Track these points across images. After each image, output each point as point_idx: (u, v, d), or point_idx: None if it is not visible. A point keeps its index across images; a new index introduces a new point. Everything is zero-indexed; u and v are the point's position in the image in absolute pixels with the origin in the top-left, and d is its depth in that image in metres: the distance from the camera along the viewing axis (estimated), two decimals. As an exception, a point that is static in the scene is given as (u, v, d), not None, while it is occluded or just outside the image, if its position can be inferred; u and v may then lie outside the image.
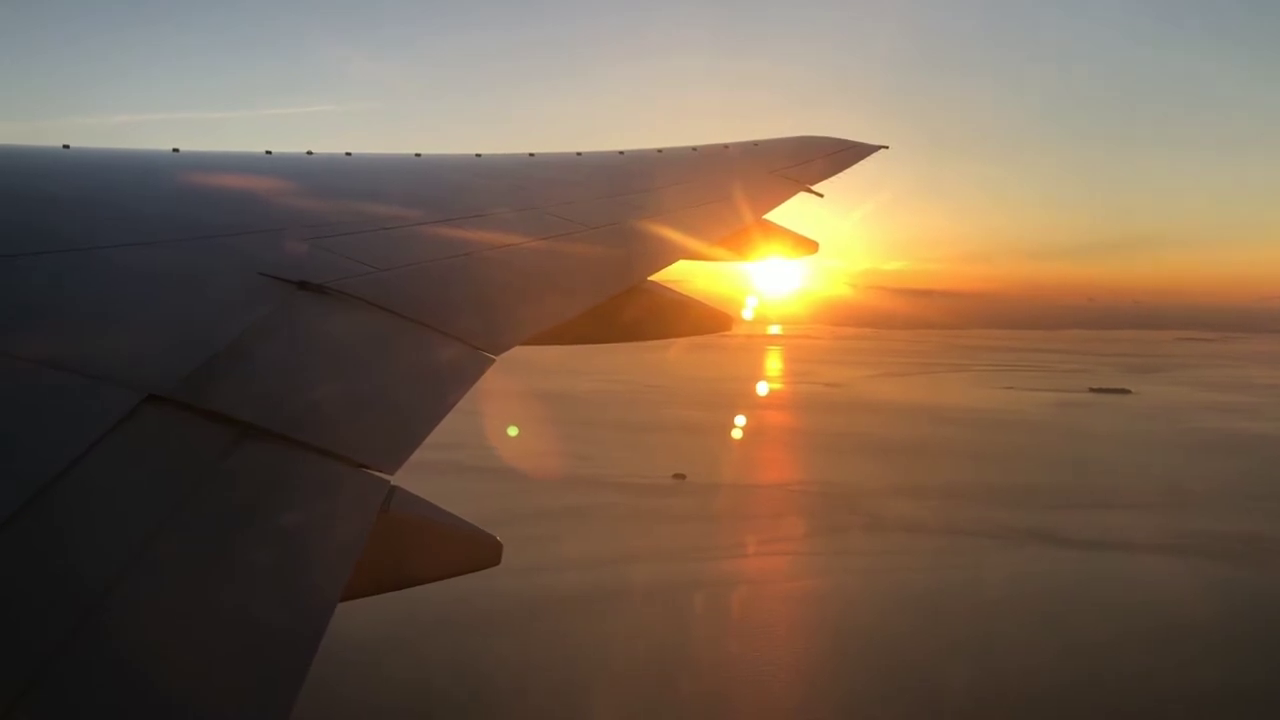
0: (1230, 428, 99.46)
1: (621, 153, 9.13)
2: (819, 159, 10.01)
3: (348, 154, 6.99)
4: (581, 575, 52.11)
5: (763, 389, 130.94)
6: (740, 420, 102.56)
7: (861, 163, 10.58)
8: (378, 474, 2.63)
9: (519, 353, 4.70)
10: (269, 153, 6.51)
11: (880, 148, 10.80)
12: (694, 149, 9.83)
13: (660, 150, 9.50)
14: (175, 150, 6.15)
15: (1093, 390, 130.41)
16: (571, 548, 56.73)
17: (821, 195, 9.13)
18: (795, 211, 8.72)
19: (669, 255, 5.99)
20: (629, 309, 5.45)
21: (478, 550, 3.26)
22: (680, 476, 75.00)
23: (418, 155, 7.55)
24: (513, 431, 77.85)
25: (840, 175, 9.96)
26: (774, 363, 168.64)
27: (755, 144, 10.34)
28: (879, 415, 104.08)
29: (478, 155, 8.02)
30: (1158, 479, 76.37)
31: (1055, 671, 41.81)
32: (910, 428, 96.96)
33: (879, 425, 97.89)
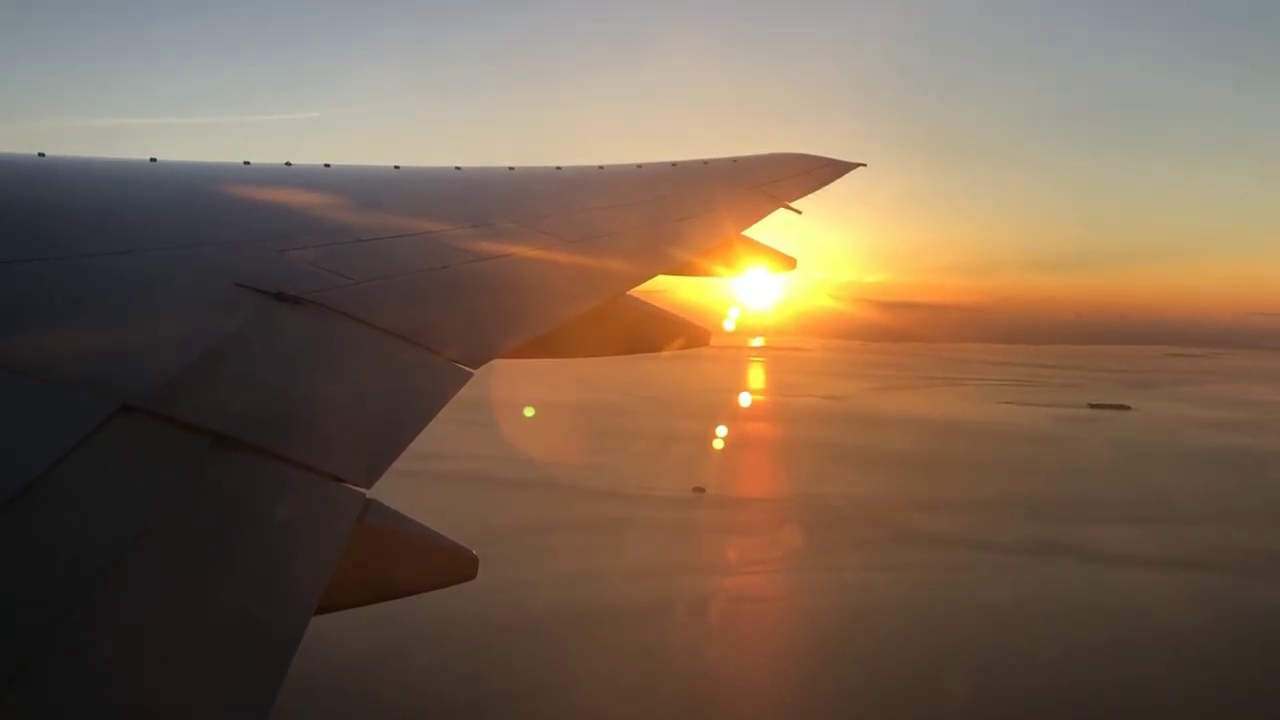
0: (1238, 444, 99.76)
1: (601, 167, 9.25)
2: (798, 176, 10.14)
3: (326, 165, 7.03)
4: (619, 589, 51.97)
5: (763, 402, 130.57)
6: (749, 433, 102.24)
7: (846, 176, 10.74)
8: (353, 487, 2.65)
9: (502, 365, 4.74)
10: (247, 163, 6.56)
11: (858, 165, 10.94)
12: (674, 165, 9.96)
13: (640, 165, 9.63)
14: (152, 159, 6.19)
15: (1092, 406, 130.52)
16: (602, 561, 56.47)
17: (800, 212, 9.28)
18: (778, 226, 8.85)
19: (648, 270, 6.09)
20: (607, 323, 5.51)
21: (454, 564, 3.27)
22: (700, 490, 74.41)
23: (397, 167, 7.63)
24: (526, 422, 77.95)
25: (824, 188, 10.09)
26: (768, 376, 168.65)
27: (735, 160, 10.48)
28: (886, 429, 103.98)
29: (457, 168, 8.10)
30: (1176, 494, 76.58)
31: (1102, 684, 42.00)
32: (920, 442, 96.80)
33: (888, 439, 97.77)
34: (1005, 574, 56.90)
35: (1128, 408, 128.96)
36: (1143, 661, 44.41)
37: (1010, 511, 70.22)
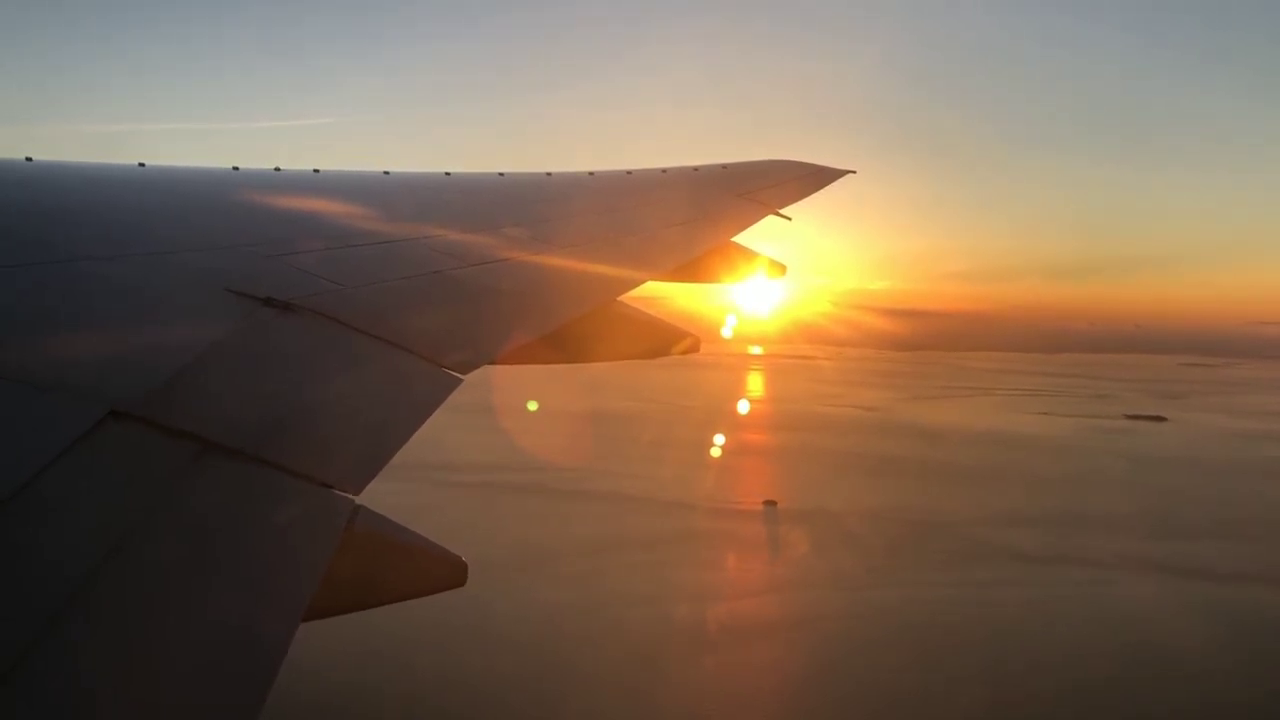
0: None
1: (591, 174, 9.39)
2: (787, 182, 10.23)
3: (316, 170, 7.13)
4: (719, 607, 51.98)
5: (800, 411, 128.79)
6: (794, 444, 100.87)
7: (849, 184, 10.91)
8: (342, 494, 2.70)
9: (504, 373, 4.81)
10: (236, 168, 6.67)
11: (848, 172, 11.06)
12: (663, 171, 10.10)
13: (630, 172, 9.77)
14: (141, 164, 6.26)
15: (1128, 417, 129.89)
16: (696, 576, 56.43)
17: (789, 219, 9.38)
18: (778, 234, 9.03)
19: (637, 276, 6.20)
20: (597, 329, 5.58)
21: (443, 570, 3.30)
22: (772, 503, 73.87)
23: (387, 173, 7.77)
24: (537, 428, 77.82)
25: (822, 196, 10.29)
26: (787, 384, 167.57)
27: (725, 167, 10.58)
28: (931, 440, 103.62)
29: (447, 174, 8.24)
30: (1253, 507, 76.15)
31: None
32: (970, 453, 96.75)
33: (937, 451, 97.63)
34: (1109, 591, 56.32)
35: (1164, 419, 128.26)
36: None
37: (1087, 526, 69.67)
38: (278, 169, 6.84)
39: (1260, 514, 73.99)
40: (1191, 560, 62.22)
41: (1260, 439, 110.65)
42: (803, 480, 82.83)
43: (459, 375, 3.76)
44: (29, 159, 5.66)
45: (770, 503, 74.03)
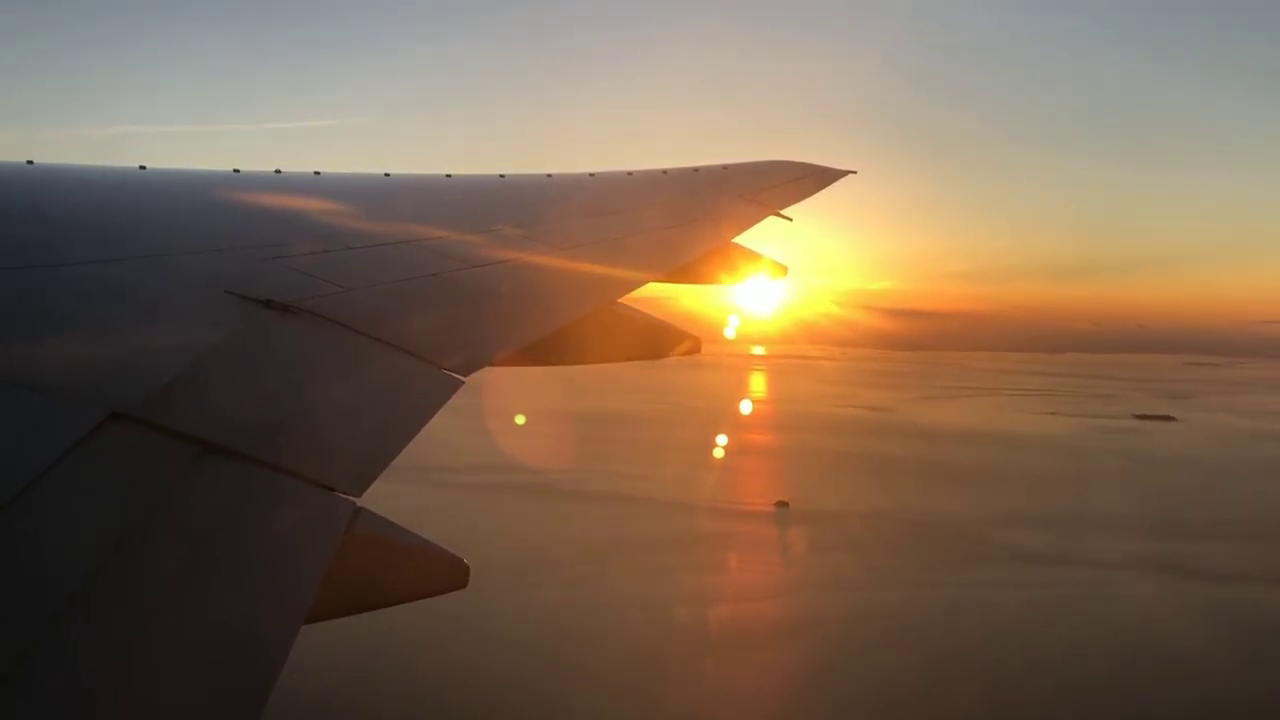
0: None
1: (592, 175, 9.41)
2: (788, 183, 10.25)
3: (316, 173, 7.14)
4: (732, 609, 52.26)
5: (806, 412, 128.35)
6: (802, 445, 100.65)
7: (851, 184, 10.92)
8: (343, 495, 2.71)
9: (502, 374, 4.82)
10: (237, 171, 6.68)
11: (849, 173, 11.08)
12: (664, 172, 10.11)
13: (630, 173, 9.79)
14: (142, 167, 6.26)
15: (1137, 417, 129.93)
16: (707, 579, 56.67)
17: (790, 219, 9.39)
18: (779, 234, 9.07)
19: (638, 277, 6.22)
20: (599, 330, 5.59)
21: (445, 572, 3.28)
22: (783, 504, 73.83)
23: (387, 175, 7.78)
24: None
25: (823, 197, 10.31)
26: (795, 385, 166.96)
27: (725, 168, 10.59)
28: (940, 441, 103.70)
29: (448, 175, 8.26)
30: (1257, 507, 76.12)
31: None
32: (980, 454, 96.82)
33: (946, 451, 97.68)
34: (1118, 592, 56.35)
35: (1172, 418, 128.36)
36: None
37: (1097, 527, 69.76)
38: (278, 171, 6.85)
39: (1271, 514, 74.05)
40: (1216, 561, 62.11)
41: (1268, 439, 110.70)
42: (813, 481, 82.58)
43: (460, 377, 3.77)
44: (30, 163, 5.68)
45: (782, 504, 74.01)
